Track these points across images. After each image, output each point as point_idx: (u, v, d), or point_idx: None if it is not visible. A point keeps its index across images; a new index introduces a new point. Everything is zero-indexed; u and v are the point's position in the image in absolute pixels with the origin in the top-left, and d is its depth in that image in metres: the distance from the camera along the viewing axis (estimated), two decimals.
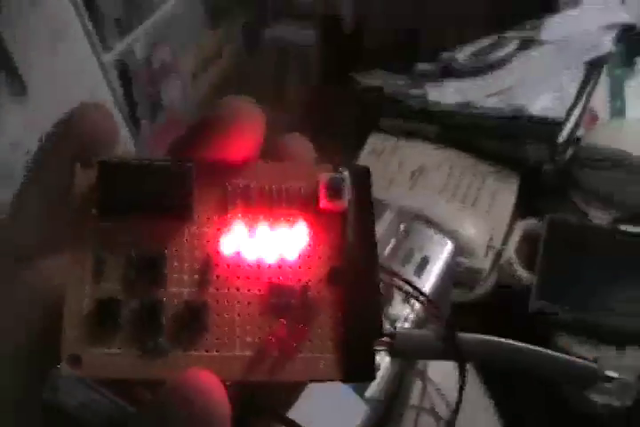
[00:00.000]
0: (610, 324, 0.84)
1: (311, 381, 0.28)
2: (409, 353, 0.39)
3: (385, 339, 0.30)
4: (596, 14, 1.08)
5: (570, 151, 0.98)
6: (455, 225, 0.88)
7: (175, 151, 0.29)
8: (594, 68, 1.03)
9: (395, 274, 0.36)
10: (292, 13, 1.13)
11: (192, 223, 0.28)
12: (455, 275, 0.84)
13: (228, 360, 0.27)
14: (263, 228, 0.28)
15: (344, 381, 0.27)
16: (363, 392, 0.74)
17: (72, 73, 0.93)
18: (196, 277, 0.28)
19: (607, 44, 1.04)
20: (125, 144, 0.99)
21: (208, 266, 0.28)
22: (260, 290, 0.28)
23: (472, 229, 0.89)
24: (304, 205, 0.29)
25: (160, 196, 0.27)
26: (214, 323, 0.27)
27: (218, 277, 0.28)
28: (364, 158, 1.02)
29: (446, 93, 1.02)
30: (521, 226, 0.93)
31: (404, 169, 1.00)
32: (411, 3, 1.10)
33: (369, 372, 0.27)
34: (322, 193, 0.28)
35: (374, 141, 1.04)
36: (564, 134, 0.96)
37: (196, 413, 0.25)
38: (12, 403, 0.27)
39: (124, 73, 1.00)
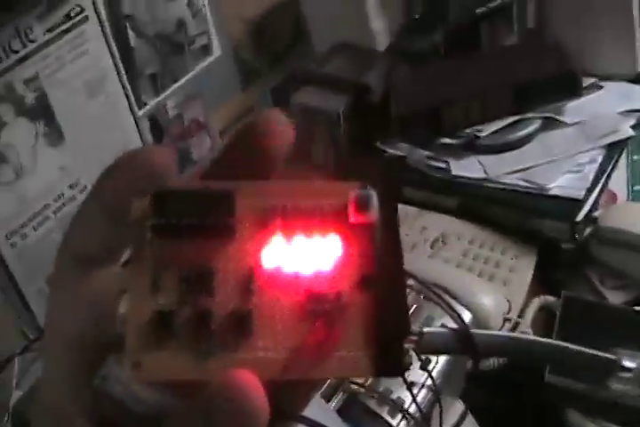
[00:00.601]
0: (624, 403, 0.84)
1: (344, 377, 0.30)
2: (433, 350, 0.41)
3: (413, 337, 0.32)
4: (617, 99, 1.12)
5: (588, 230, 1.00)
6: (472, 296, 0.89)
7: (217, 162, 0.33)
8: (613, 151, 1.06)
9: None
10: (322, 80, 1.16)
11: (235, 241, 0.31)
12: None
13: (270, 361, 0.29)
14: (299, 240, 0.31)
15: (375, 375, 0.30)
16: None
17: (106, 125, 0.96)
18: (240, 288, 0.30)
19: (627, 128, 1.07)
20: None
21: (251, 278, 0.30)
22: (298, 298, 0.30)
23: (489, 301, 0.90)
24: (336, 219, 0.31)
25: (205, 218, 0.30)
26: (258, 328, 0.30)
27: (260, 288, 0.30)
28: None
29: (468, 167, 1.05)
30: (537, 300, 0.95)
31: (424, 236, 1.02)
32: (438, 77, 1.13)
33: (398, 367, 0.29)
34: (351, 208, 0.31)
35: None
36: (582, 213, 0.98)
37: (236, 408, 0.27)
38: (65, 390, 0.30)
39: (156, 127, 1.02)
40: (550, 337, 0.89)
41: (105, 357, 0.29)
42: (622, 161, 1.09)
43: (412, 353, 0.34)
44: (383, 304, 0.30)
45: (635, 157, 1.10)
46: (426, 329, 0.35)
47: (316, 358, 0.29)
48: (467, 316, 0.81)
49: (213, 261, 0.30)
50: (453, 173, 1.04)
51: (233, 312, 0.30)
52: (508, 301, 0.93)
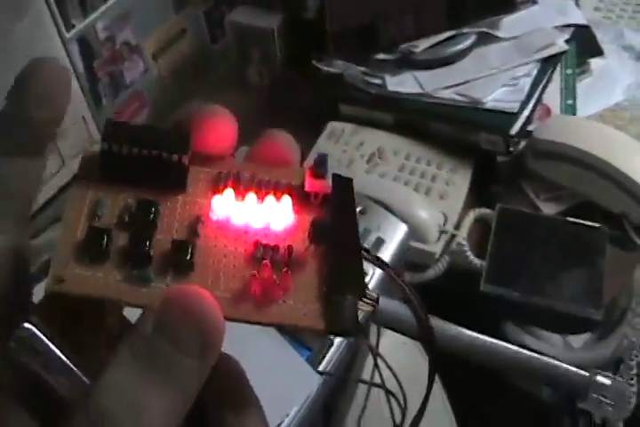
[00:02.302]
0: (556, 310, 0.86)
1: (293, 328, 0.29)
2: (385, 322, 0.39)
3: (368, 301, 0.32)
4: (552, 14, 1.12)
5: (522, 143, 1.01)
6: (409, 210, 0.90)
7: None
8: (548, 65, 1.06)
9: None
10: None
11: (186, 192, 0.31)
12: (407, 257, 0.86)
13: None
14: (251, 197, 0.31)
15: (326, 332, 0.29)
16: (316, 365, 0.75)
17: (32, 49, 0.93)
18: (185, 228, 0.30)
19: (561, 42, 1.08)
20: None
21: (197, 222, 0.30)
22: (246, 247, 0.30)
23: (425, 214, 0.91)
24: (291, 188, 0.32)
25: (158, 151, 0.30)
26: (200, 264, 0.29)
27: (206, 232, 0.30)
28: (323, 142, 1.03)
29: (404, 83, 1.04)
30: (473, 213, 0.96)
31: (361, 152, 1.02)
32: None
33: (352, 327, 0.29)
34: (308, 174, 0.32)
35: (333, 127, 1.05)
36: (517, 126, 0.99)
37: (194, 317, 0.26)
38: None
39: (86, 51, 0.99)
40: (485, 249, 0.91)
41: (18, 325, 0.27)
42: (556, 75, 1.09)
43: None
44: (336, 259, 0.30)
45: (568, 71, 1.10)
46: (383, 299, 0.35)
47: (262, 302, 0.29)
48: (403, 228, 0.82)
49: (162, 199, 0.30)
50: (389, 88, 1.04)
51: (174, 242, 0.29)
52: (444, 214, 0.94)
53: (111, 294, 0.28)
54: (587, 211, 0.96)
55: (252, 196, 0.31)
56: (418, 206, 0.91)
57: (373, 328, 0.76)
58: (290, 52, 1.14)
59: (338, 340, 0.74)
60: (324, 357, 0.75)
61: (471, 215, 0.95)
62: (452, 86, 1.03)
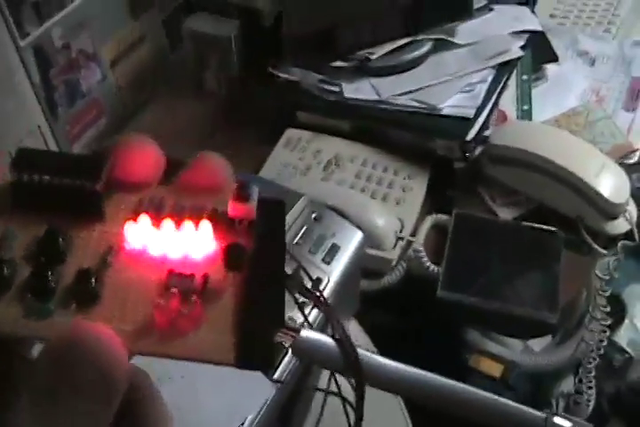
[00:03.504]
0: (514, 314, 0.86)
1: (201, 361, 0.27)
2: (308, 355, 0.37)
3: (288, 332, 0.30)
4: (507, 20, 1.12)
5: (479, 149, 1.01)
6: (365, 216, 0.90)
7: None
8: (503, 71, 1.07)
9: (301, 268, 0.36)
10: (211, 5, 1.14)
11: (102, 220, 0.30)
12: (364, 264, 0.86)
13: (115, 331, 0.26)
14: (168, 224, 0.29)
15: (237, 366, 0.27)
16: (271, 373, 0.74)
17: None
18: (96, 258, 0.29)
19: (516, 48, 1.08)
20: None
21: (109, 252, 0.29)
22: (158, 276, 0.29)
23: (382, 221, 0.91)
24: (212, 213, 0.30)
25: (69, 179, 0.29)
26: (107, 296, 0.28)
27: (117, 262, 0.29)
28: (280, 150, 1.03)
29: (361, 90, 1.05)
30: (430, 219, 0.96)
31: (318, 160, 1.02)
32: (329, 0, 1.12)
33: (266, 360, 0.27)
34: (231, 197, 0.30)
35: (291, 134, 1.05)
36: (473, 132, 0.99)
37: (92, 358, 0.24)
38: None
39: (42, 59, 0.99)
40: (442, 254, 0.91)
41: None
42: (512, 81, 1.10)
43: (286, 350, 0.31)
44: (255, 291, 0.28)
45: (524, 77, 1.11)
46: (305, 331, 0.33)
47: (168, 334, 0.27)
48: (359, 235, 0.82)
49: (76, 229, 0.29)
50: (346, 95, 1.04)
51: (80, 273, 0.28)
52: (400, 220, 0.94)
53: (8, 328, 0.27)
54: (543, 215, 0.96)
55: (168, 223, 0.29)
56: (374, 213, 0.91)
57: None
58: (247, 60, 1.14)
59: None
60: (278, 365, 0.75)
61: (428, 221, 0.96)
62: (408, 93, 1.04)
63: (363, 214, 0.89)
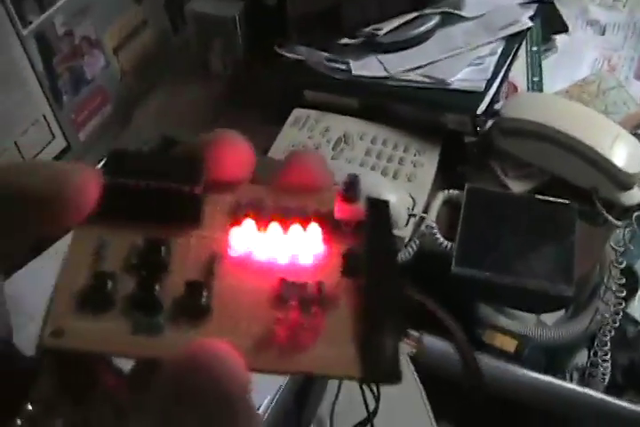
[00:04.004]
0: (529, 288, 0.85)
1: (325, 376, 0.26)
2: (429, 363, 0.35)
3: (409, 342, 0.29)
4: None
5: (490, 122, 1.00)
6: (376, 193, 0.88)
7: None
8: (513, 42, 1.05)
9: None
10: None
11: (200, 229, 0.28)
12: None
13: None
14: (275, 227, 0.27)
15: (363, 380, 0.26)
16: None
17: None
18: (200, 268, 0.27)
19: (525, 19, 1.06)
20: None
21: (213, 260, 0.27)
22: (269, 286, 0.27)
23: (393, 198, 0.90)
24: (319, 215, 0.28)
25: (167, 182, 0.27)
26: (217, 308, 0.26)
27: (223, 271, 0.27)
28: (288, 129, 1.02)
29: (369, 67, 1.03)
30: (442, 194, 0.95)
31: (327, 138, 1.01)
32: None
33: (394, 373, 0.25)
34: (337, 198, 0.28)
35: (298, 113, 1.04)
36: (483, 105, 0.98)
37: (219, 383, 0.23)
38: None
39: (45, 47, 0.98)
40: (455, 230, 0.90)
41: None
42: (522, 53, 1.08)
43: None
44: (373, 298, 0.26)
45: (534, 48, 1.10)
46: (427, 339, 0.31)
47: (288, 349, 0.25)
48: None
49: (173, 237, 0.27)
50: (354, 73, 1.03)
51: (187, 285, 0.26)
52: (411, 197, 0.93)
53: (117, 347, 0.25)
54: (556, 187, 0.95)
55: (275, 226, 0.27)
56: (385, 190, 0.90)
57: None
58: (252, 40, 1.13)
59: None
60: None
61: (440, 197, 0.95)
62: (416, 68, 1.02)
63: (374, 192, 0.88)
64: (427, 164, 0.97)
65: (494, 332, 0.87)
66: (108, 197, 0.26)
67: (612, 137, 0.93)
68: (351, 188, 0.28)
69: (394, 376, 0.25)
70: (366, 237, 0.28)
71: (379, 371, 0.25)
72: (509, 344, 0.86)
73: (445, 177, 0.98)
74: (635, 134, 0.96)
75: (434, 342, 0.76)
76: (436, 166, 0.98)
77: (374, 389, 0.79)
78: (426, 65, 1.02)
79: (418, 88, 1.01)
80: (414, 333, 0.74)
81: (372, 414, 0.78)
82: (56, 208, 0.25)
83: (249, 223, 0.27)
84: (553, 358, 0.91)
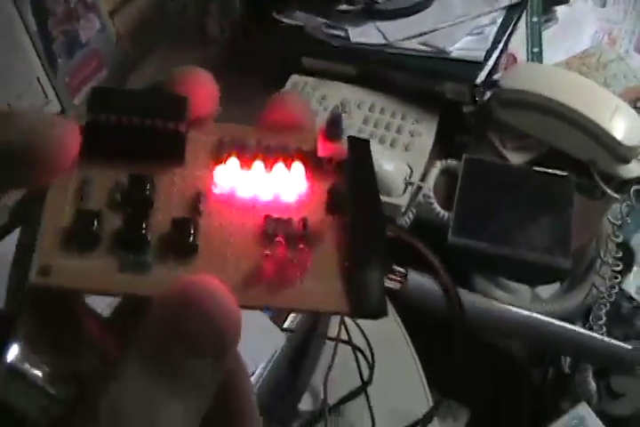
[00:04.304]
0: (526, 260, 0.85)
1: (313, 311, 0.26)
2: (413, 298, 0.36)
3: (394, 277, 0.29)
4: None
5: (488, 92, 0.99)
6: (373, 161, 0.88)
7: None
8: (513, 12, 1.04)
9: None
10: None
11: (183, 166, 0.28)
12: None
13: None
14: (258, 165, 0.28)
15: (352, 315, 0.26)
16: (281, 322, 0.74)
17: None
18: (186, 207, 0.27)
19: None
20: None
21: (198, 199, 0.27)
22: (254, 223, 0.27)
23: (390, 166, 0.90)
24: (302, 153, 0.29)
25: (151, 118, 0.27)
26: (204, 245, 0.26)
27: (209, 210, 0.27)
28: None
29: (367, 34, 1.02)
30: (439, 164, 0.94)
31: (324, 106, 1.00)
32: None
33: (380, 307, 0.26)
34: (320, 136, 0.28)
35: (296, 80, 1.03)
36: (482, 75, 0.97)
37: (210, 315, 0.23)
38: None
39: (39, 9, 0.96)
40: (452, 200, 0.89)
41: None
42: (522, 23, 1.07)
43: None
44: (358, 234, 0.27)
45: (534, 19, 1.08)
46: (412, 274, 0.31)
47: (277, 284, 0.26)
48: None
49: (157, 174, 0.27)
50: (352, 40, 1.01)
51: (176, 222, 0.26)
52: (409, 165, 0.92)
53: (104, 285, 0.25)
54: (554, 159, 0.95)
55: (259, 164, 0.28)
56: (383, 159, 0.89)
57: None
58: (250, 5, 1.12)
59: None
60: (288, 314, 0.74)
61: (437, 166, 0.94)
62: (415, 36, 1.01)
63: None
64: (424, 133, 0.96)
65: None
66: (91, 134, 0.26)
67: (611, 109, 0.92)
68: (334, 126, 0.28)
69: (380, 311, 0.26)
70: (349, 174, 0.28)
71: (366, 306, 0.26)
72: None
73: (443, 147, 0.98)
74: (634, 108, 0.95)
75: (418, 278, 0.76)
76: (434, 136, 0.97)
77: (368, 357, 0.79)
78: (425, 33, 1.01)
79: (416, 56, 1.00)
80: (399, 269, 0.75)
81: (366, 383, 0.78)
82: (31, 166, 0.24)
83: (233, 161, 0.28)
84: None
